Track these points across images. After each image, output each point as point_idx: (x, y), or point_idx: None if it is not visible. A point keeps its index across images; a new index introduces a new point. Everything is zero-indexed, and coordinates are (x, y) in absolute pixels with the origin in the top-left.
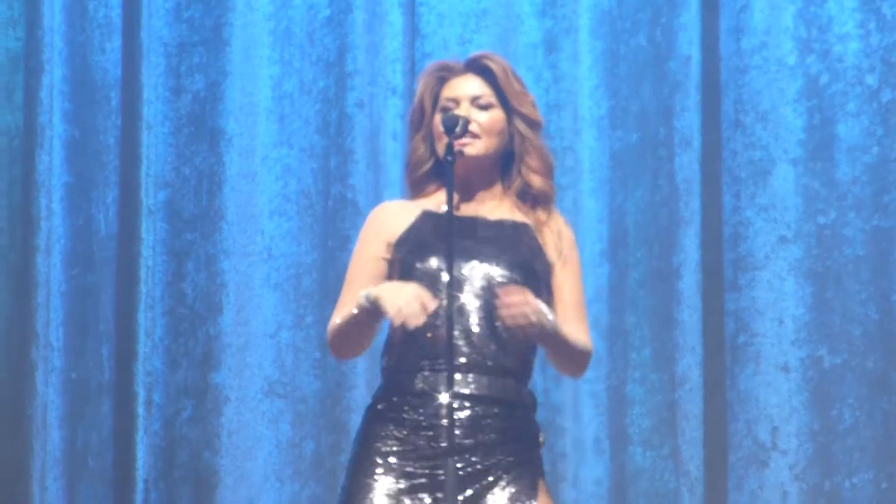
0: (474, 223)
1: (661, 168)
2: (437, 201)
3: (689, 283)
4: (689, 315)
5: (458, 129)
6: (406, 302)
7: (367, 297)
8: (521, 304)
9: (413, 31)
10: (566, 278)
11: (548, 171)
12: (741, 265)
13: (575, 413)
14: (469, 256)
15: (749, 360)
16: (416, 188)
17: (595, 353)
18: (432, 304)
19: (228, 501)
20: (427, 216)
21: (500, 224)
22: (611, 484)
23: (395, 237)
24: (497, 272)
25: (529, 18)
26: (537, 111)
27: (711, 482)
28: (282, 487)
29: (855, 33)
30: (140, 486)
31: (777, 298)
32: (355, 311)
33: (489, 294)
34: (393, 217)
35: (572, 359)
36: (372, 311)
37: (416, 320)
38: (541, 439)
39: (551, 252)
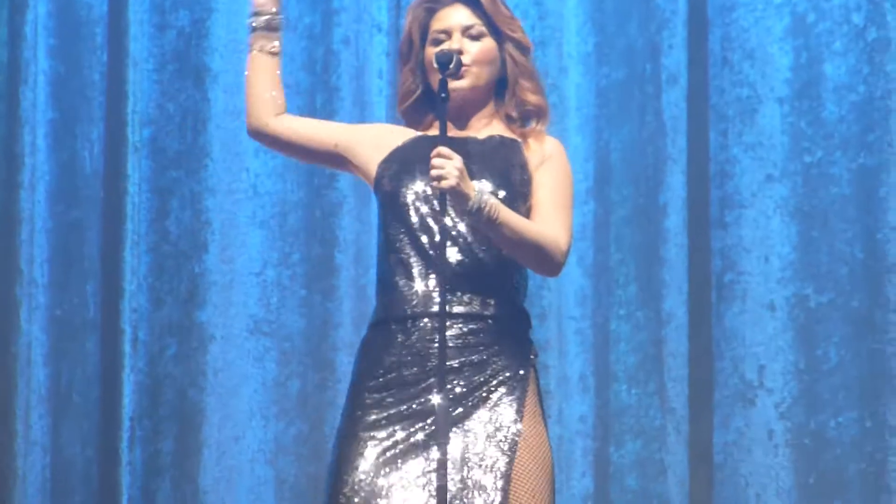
0: (464, 142)
1: (647, 105)
2: (429, 130)
3: (676, 220)
4: (676, 253)
5: (451, 67)
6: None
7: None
8: (446, 164)
9: None
10: (544, 179)
11: (542, 91)
12: (727, 203)
13: (560, 350)
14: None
15: (735, 298)
16: (408, 119)
17: (580, 291)
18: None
19: (213, 439)
20: (419, 139)
21: (487, 140)
22: (596, 420)
23: (384, 154)
24: (485, 187)
25: None
26: (526, 36)
27: (696, 420)
28: (267, 425)
29: None
30: (126, 423)
31: (763, 237)
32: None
33: None
34: (395, 134)
35: (530, 252)
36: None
37: (449, 182)
38: (533, 356)
39: (534, 161)
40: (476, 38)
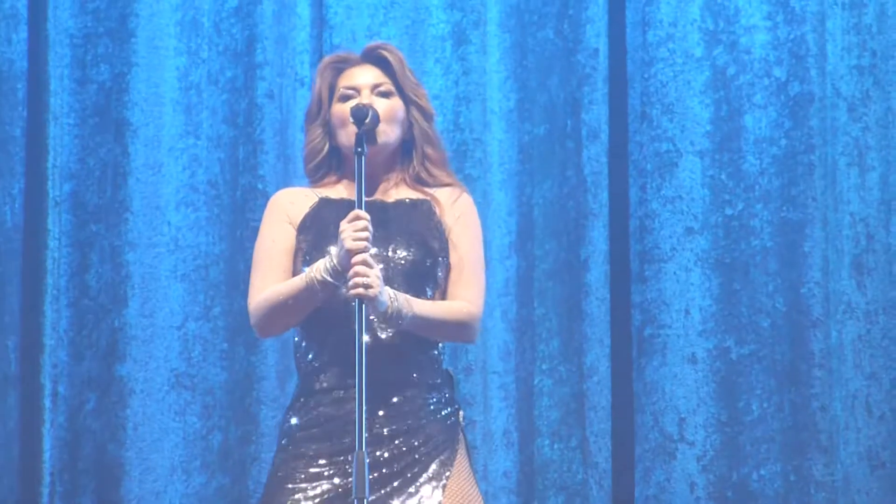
0: (380, 207)
1: (568, 160)
2: (334, 191)
3: (597, 274)
4: (598, 307)
5: (367, 121)
6: (349, 234)
7: (329, 271)
8: (370, 273)
9: (321, 22)
10: (459, 239)
11: (444, 163)
12: (647, 257)
13: (485, 405)
14: (374, 241)
15: (655, 352)
16: (313, 177)
17: (503, 345)
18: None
19: (134, 494)
20: (325, 203)
21: (398, 204)
22: (520, 476)
23: (297, 222)
24: (397, 254)
25: (438, 10)
26: (430, 103)
27: (619, 474)
28: (189, 479)
29: (762, 25)
30: (47, 478)
31: (683, 289)
32: (305, 286)
33: (395, 276)
34: (293, 202)
35: (446, 332)
36: (330, 287)
37: (375, 290)
38: (460, 418)
39: (448, 221)
40: (385, 95)
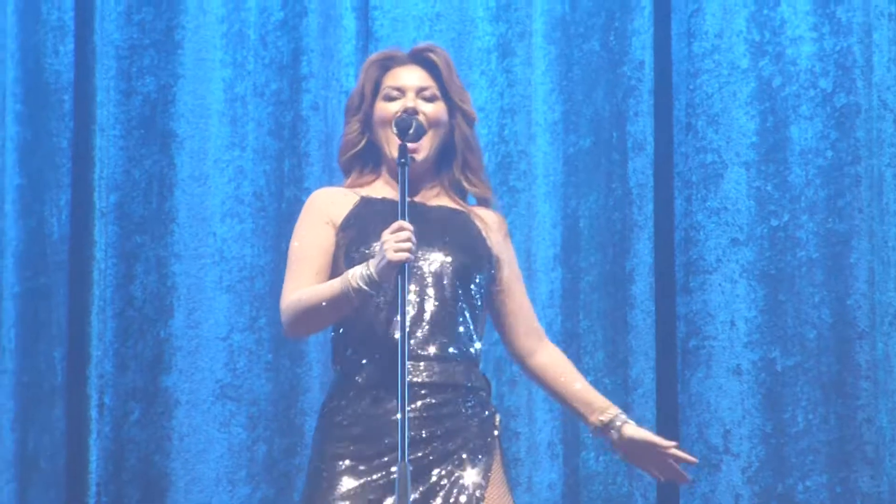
0: (414, 210)
1: (614, 172)
2: (373, 189)
3: (642, 287)
4: (643, 319)
5: (411, 132)
6: (391, 245)
7: (365, 279)
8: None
9: (367, 34)
10: (507, 257)
11: (482, 170)
12: (692, 268)
13: (529, 417)
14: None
15: (700, 364)
16: (347, 169)
17: None
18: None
19: None
20: (367, 202)
21: (440, 209)
22: (565, 488)
23: (338, 221)
24: (441, 257)
25: (483, 23)
26: (473, 109)
27: (664, 486)
28: (234, 490)
29: (808, 36)
30: (93, 489)
31: (728, 301)
32: (340, 292)
33: (436, 279)
34: (333, 202)
35: None
36: (365, 295)
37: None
38: (497, 423)
39: (492, 236)
40: (430, 100)
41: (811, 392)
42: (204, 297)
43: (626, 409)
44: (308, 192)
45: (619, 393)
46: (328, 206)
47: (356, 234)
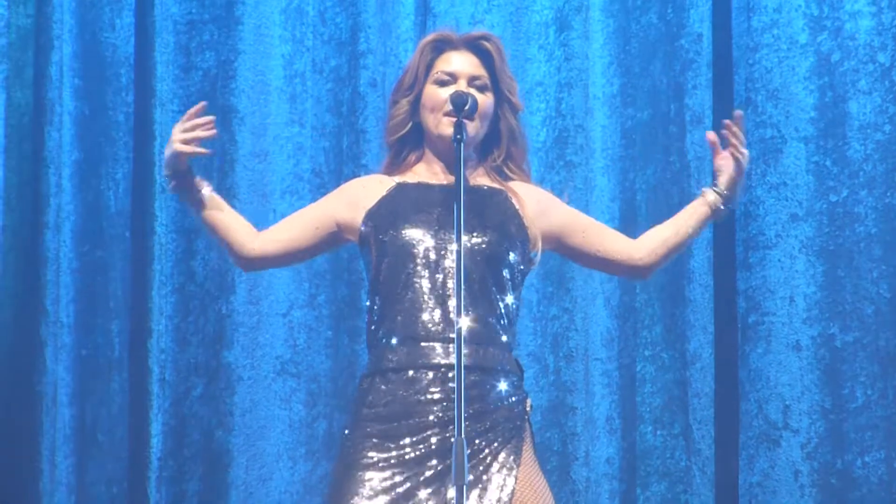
0: (451, 192)
1: (672, 146)
2: (412, 174)
3: (701, 261)
4: (701, 293)
5: (467, 108)
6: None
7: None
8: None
9: (425, 10)
10: (567, 210)
11: (525, 160)
12: (752, 244)
13: (587, 392)
14: (448, 225)
15: (760, 339)
16: (395, 151)
17: (606, 332)
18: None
19: (241, 480)
20: (400, 188)
21: (475, 190)
22: (622, 462)
23: (367, 208)
24: (474, 238)
25: None
26: (519, 98)
27: (722, 461)
28: (294, 466)
29: (867, 11)
30: (155, 463)
31: (788, 277)
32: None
33: (468, 261)
34: (366, 186)
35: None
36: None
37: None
38: (528, 407)
39: (527, 212)
40: (481, 89)
41: (870, 367)
42: (265, 274)
43: (685, 383)
44: (366, 168)
45: (678, 367)
46: (358, 189)
47: (384, 218)
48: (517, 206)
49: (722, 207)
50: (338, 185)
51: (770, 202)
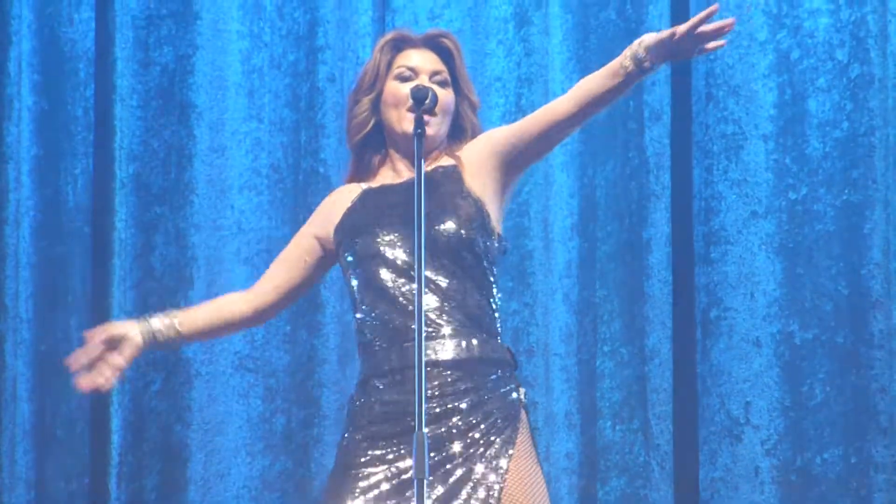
0: (408, 186)
1: (631, 141)
2: (377, 178)
3: (659, 256)
4: (660, 289)
5: (427, 102)
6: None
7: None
8: None
9: (383, 5)
10: (501, 134)
11: None
12: (713, 239)
13: (547, 387)
14: (411, 222)
15: (722, 334)
16: (359, 153)
17: (565, 328)
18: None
19: (199, 475)
20: (365, 196)
21: (433, 174)
22: (581, 458)
23: (336, 220)
24: (435, 228)
25: None
26: (477, 96)
27: (681, 456)
28: (252, 461)
29: (825, 8)
30: (115, 458)
31: (749, 273)
32: None
33: (440, 254)
34: (335, 202)
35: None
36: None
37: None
38: (521, 395)
39: (473, 180)
40: (441, 85)
41: (829, 364)
42: (223, 269)
43: (644, 378)
44: (325, 163)
45: (636, 362)
46: (328, 206)
47: (349, 231)
48: (464, 178)
49: (643, 59)
50: (295, 180)
51: (732, 198)
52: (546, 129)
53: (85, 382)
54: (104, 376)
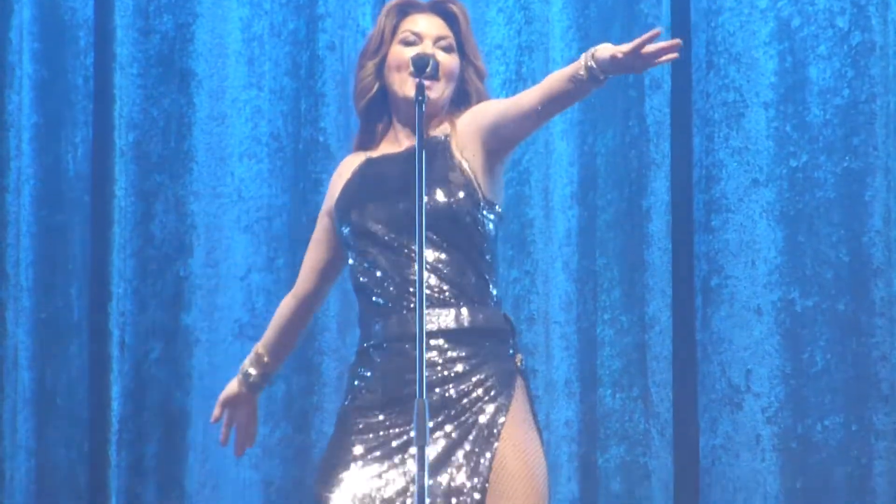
0: (402, 158)
1: (631, 110)
2: (379, 148)
3: (659, 224)
4: (659, 257)
5: (428, 70)
6: None
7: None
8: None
9: None
10: (495, 107)
11: None
12: (714, 206)
13: (547, 355)
14: (403, 194)
15: (722, 302)
16: (366, 119)
17: (565, 296)
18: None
19: (199, 442)
20: (367, 164)
21: (425, 147)
22: (581, 425)
23: (336, 196)
24: (428, 204)
25: None
26: (483, 63)
27: (681, 424)
28: None
29: None
30: (115, 426)
31: (750, 241)
32: None
33: (428, 226)
34: (341, 174)
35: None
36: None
37: None
38: (518, 362)
39: (464, 152)
40: (447, 50)
41: (829, 332)
42: (223, 237)
43: (643, 346)
44: (324, 132)
45: (637, 330)
46: (335, 179)
47: (344, 205)
48: (453, 149)
49: (596, 71)
50: (295, 149)
51: (733, 166)
52: (517, 120)
53: (239, 452)
54: (248, 442)
